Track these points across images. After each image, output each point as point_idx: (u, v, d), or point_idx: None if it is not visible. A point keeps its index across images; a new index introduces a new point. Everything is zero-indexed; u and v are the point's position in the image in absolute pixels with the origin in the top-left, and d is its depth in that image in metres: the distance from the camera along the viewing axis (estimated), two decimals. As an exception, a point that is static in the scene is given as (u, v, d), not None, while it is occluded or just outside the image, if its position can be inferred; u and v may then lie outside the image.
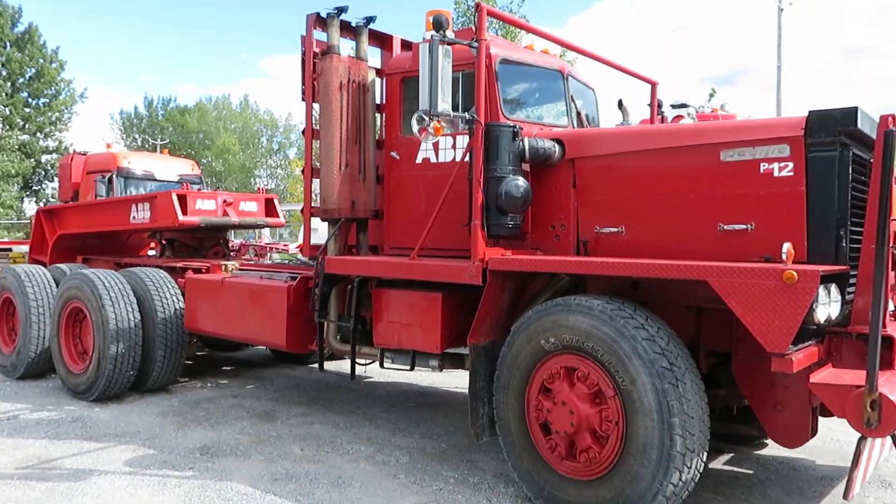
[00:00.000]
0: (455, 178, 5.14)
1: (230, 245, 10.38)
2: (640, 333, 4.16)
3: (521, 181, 4.99)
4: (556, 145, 5.24)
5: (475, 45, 4.92)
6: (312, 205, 6.24)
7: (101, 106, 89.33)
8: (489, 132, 5.01)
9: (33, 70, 41.37)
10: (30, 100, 41.96)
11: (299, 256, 13.48)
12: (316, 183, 6.23)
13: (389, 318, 5.65)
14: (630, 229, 5.01)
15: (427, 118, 4.74)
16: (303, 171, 6.29)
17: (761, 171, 4.47)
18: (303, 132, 6.24)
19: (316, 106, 6.18)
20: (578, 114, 6.21)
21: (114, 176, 12.77)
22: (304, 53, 6.14)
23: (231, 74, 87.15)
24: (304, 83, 6.15)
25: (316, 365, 9.63)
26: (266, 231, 20.70)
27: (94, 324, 7.50)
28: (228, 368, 9.52)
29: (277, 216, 9.57)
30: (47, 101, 42.39)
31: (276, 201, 9.61)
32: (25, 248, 14.03)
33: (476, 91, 4.98)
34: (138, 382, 7.72)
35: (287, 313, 6.36)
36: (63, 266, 9.20)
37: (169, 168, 14.00)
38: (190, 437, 6.27)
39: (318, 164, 6.18)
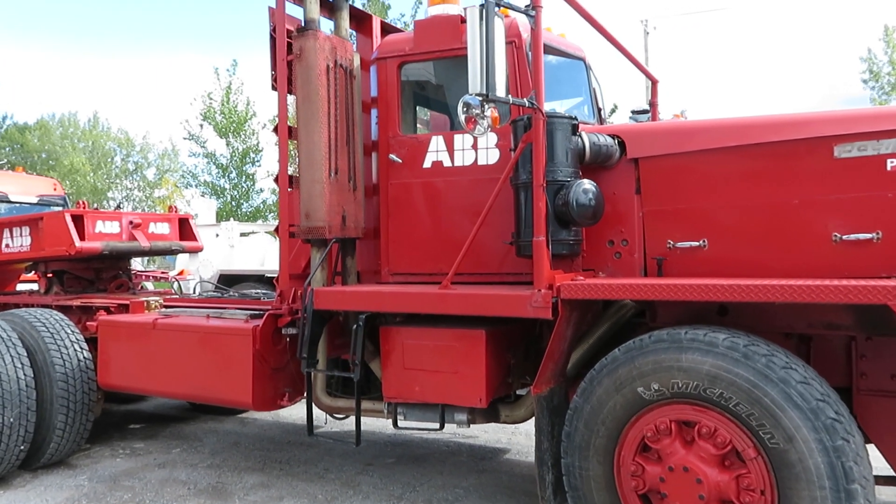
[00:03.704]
0: (501, 185, 4.07)
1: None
2: (792, 375, 3.26)
3: (588, 185, 3.99)
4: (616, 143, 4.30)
5: (532, 13, 3.87)
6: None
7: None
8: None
9: None
10: None
11: (177, 285, 11.73)
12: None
13: (406, 363, 4.43)
14: (715, 243, 4.12)
15: (480, 105, 3.63)
16: (276, 180, 4.94)
17: (888, 168, 3.73)
18: (274, 129, 4.88)
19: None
20: (600, 110, 5.32)
21: None
22: (273, 30, 4.82)
23: (79, 87, 79.69)
24: (274, 68, 4.83)
25: (246, 415, 8.23)
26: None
27: (-32, 386, 5.68)
28: (137, 426, 7.76)
29: (195, 239, 7.95)
30: None
31: (191, 221, 8.01)
32: None
33: (534, 73, 3.94)
34: (30, 458, 5.95)
35: (253, 362, 4.93)
36: (-89, 310, 7.14)
37: (25, 187, 11.82)
38: (124, 533, 4.72)
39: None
